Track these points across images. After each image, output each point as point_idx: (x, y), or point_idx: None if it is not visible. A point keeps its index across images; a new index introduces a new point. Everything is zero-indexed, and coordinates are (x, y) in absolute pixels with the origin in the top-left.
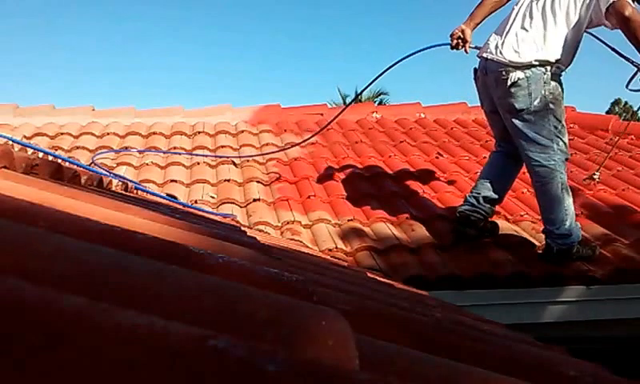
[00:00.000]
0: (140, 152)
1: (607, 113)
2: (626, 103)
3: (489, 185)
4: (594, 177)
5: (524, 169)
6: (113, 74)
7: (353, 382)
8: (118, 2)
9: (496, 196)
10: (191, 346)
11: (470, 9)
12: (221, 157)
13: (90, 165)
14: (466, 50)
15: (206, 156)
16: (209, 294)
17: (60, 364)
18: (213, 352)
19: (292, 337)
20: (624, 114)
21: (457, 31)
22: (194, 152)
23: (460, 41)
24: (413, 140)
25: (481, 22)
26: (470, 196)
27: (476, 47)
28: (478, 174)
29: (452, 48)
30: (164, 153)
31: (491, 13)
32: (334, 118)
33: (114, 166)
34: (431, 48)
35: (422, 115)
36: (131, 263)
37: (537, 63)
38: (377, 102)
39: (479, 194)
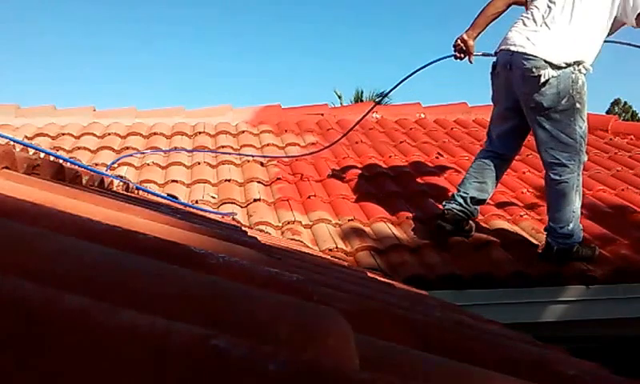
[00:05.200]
0: (165, 152)
1: (607, 113)
2: (625, 103)
3: (478, 185)
4: None
5: (524, 168)
6: (114, 74)
7: (353, 382)
8: (119, 2)
9: (484, 197)
10: (192, 345)
11: (463, 9)
12: (267, 157)
13: (109, 167)
14: (470, 61)
15: (255, 156)
16: (210, 294)
17: (61, 364)
18: (214, 352)
19: (292, 336)
20: (623, 114)
21: (459, 42)
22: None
23: (462, 53)
24: (413, 140)
25: (483, 30)
26: (457, 195)
27: (484, 54)
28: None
29: (455, 58)
30: (189, 151)
31: (493, 20)
32: (361, 119)
33: (115, 166)
34: (438, 61)
35: (422, 115)
36: (132, 263)
37: (571, 63)
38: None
39: (467, 194)
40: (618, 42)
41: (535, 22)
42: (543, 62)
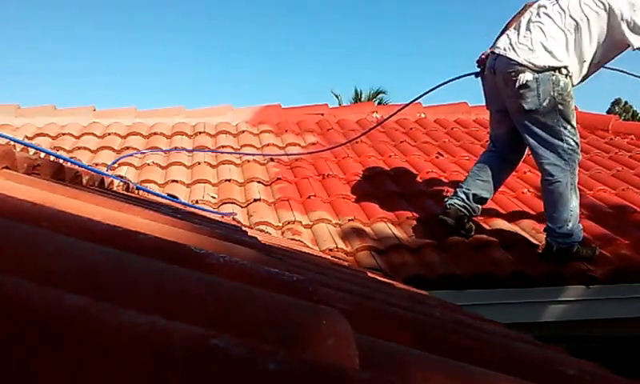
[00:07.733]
0: (165, 152)
1: (607, 112)
2: (625, 103)
3: (481, 183)
4: None
5: (524, 168)
6: (114, 74)
7: (353, 381)
8: (120, 4)
9: (486, 196)
10: (192, 345)
11: (462, 10)
12: (269, 155)
13: (109, 167)
14: None
15: (255, 155)
16: (210, 294)
17: (61, 364)
18: (214, 351)
19: (293, 336)
20: (624, 114)
21: (483, 58)
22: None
23: None
24: (413, 140)
25: None
26: (460, 190)
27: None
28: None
29: (476, 76)
30: (188, 151)
31: None
32: (388, 117)
33: (116, 166)
34: (462, 77)
35: (423, 115)
36: (133, 263)
37: (548, 67)
38: (377, 102)
39: (469, 190)
40: (619, 69)
41: (522, 26)
42: (521, 66)
